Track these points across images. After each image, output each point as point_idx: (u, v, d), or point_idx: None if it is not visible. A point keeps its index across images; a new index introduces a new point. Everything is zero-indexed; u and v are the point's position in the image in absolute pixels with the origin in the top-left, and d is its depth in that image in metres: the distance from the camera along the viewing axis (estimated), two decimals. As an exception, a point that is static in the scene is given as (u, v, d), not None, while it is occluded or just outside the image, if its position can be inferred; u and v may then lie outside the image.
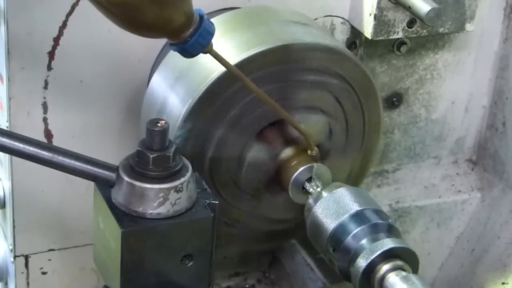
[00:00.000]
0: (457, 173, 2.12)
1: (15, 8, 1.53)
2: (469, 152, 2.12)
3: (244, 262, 1.93)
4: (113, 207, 1.33)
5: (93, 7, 1.58)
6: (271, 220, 1.68)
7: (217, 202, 1.37)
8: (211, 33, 1.33)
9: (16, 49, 1.56)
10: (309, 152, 1.54)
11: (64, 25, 1.57)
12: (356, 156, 1.69)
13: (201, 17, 1.32)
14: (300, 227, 1.58)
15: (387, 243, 1.35)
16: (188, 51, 1.33)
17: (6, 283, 1.81)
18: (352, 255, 1.37)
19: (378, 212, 1.41)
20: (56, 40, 1.58)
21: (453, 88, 2.00)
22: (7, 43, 1.55)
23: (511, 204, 2.05)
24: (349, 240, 1.38)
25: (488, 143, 2.09)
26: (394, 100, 1.95)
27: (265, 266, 1.94)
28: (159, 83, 1.59)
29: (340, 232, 1.40)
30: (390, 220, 1.41)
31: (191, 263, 1.36)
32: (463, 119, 2.06)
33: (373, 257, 1.34)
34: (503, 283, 2.00)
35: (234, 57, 1.49)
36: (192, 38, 1.31)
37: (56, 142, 1.65)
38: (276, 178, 1.58)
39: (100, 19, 1.60)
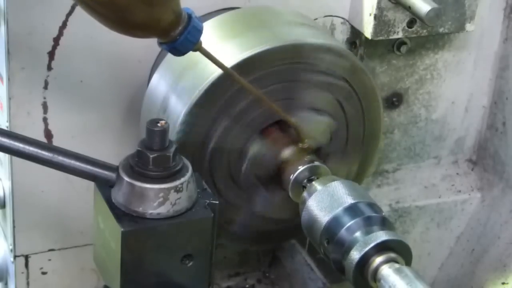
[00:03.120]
0: (457, 173, 2.12)
1: (15, 8, 1.53)
2: (469, 152, 2.12)
3: (244, 262, 1.93)
4: (113, 207, 1.33)
5: (93, 7, 1.58)
6: (268, 219, 1.67)
7: (217, 202, 1.37)
8: (199, 31, 1.33)
9: (16, 49, 1.56)
10: (300, 145, 1.54)
11: (64, 25, 1.57)
12: (356, 158, 1.69)
13: (189, 15, 1.32)
14: (299, 227, 1.59)
15: (381, 236, 1.36)
16: (178, 49, 1.33)
17: (6, 283, 1.81)
18: (345, 247, 1.38)
19: (372, 205, 1.42)
20: (56, 40, 1.58)
21: (453, 88, 2.00)
22: (7, 43, 1.55)
23: (511, 204, 2.05)
24: (342, 232, 1.39)
25: (488, 143, 2.09)
26: (394, 100, 1.95)
27: (265, 266, 1.94)
28: (159, 83, 1.59)
29: (334, 225, 1.40)
30: (383, 213, 1.42)
31: (191, 263, 1.36)
32: (463, 119, 2.06)
33: (366, 249, 1.35)
34: (503, 283, 2.00)
35: (241, 54, 1.49)
36: (181, 36, 1.32)
37: (56, 142, 1.65)
38: (276, 177, 1.58)
39: (100, 19, 1.60)
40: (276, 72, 1.52)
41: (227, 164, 1.56)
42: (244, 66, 1.48)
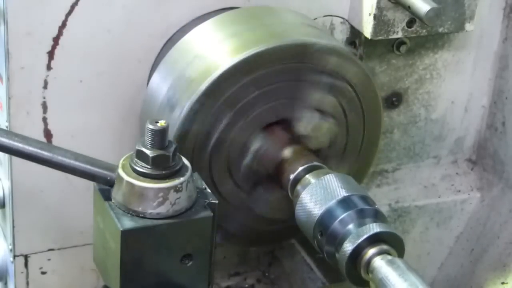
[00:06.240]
0: (457, 173, 2.12)
1: (15, 8, 1.53)
2: (468, 152, 2.12)
3: (244, 262, 1.93)
4: (112, 206, 1.34)
5: (93, 7, 1.59)
6: (267, 220, 1.67)
7: (216, 202, 1.37)
8: None
9: (16, 49, 1.56)
10: (300, 144, 1.56)
11: (64, 25, 1.57)
12: (351, 166, 1.70)
13: None
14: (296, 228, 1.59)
15: (373, 228, 1.36)
16: None
17: (5, 283, 1.81)
18: (339, 240, 1.38)
19: (365, 198, 1.43)
20: (56, 40, 1.58)
21: (452, 88, 2.00)
22: (7, 43, 1.55)
23: (510, 204, 2.05)
24: (336, 225, 1.39)
25: (488, 143, 2.09)
26: (394, 100, 1.95)
27: (265, 265, 1.94)
28: (159, 83, 1.59)
29: (327, 217, 1.41)
30: (376, 206, 1.42)
31: (191, 263, 1.36)
32: (462, 119, 2.06)
33: (359, 241, 1.36)
34: (502, 283, 2.00)
35: (249, 50, 1.49)
36: None
37: (56, 142, 1.65)
38: (275, 176, 1.58)
39: (100, 19, 1.60)
40: (281, 71, 1.52)
41: (226, 158, 1.56)
42: (251, 62, 1.49)
